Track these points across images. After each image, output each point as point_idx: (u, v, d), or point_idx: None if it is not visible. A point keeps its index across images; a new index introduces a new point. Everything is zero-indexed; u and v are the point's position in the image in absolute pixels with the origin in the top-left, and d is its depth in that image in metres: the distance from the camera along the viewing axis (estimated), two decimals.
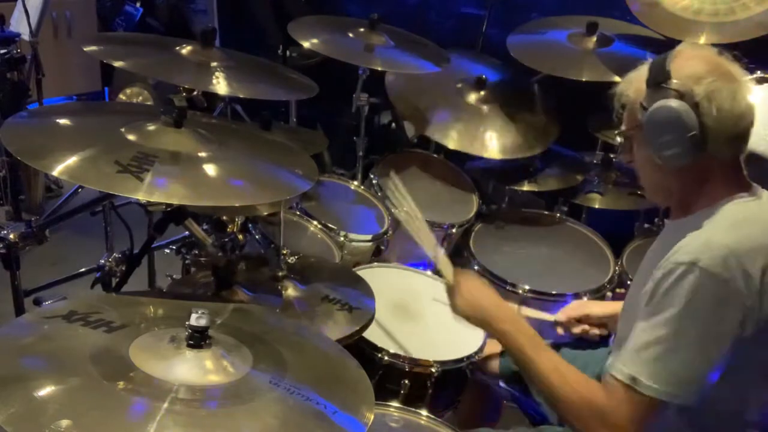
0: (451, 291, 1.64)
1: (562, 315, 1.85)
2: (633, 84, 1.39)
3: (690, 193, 1.37)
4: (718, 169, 1.34)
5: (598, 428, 1.31)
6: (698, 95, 1.28)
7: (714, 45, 1.45)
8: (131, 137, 1.41)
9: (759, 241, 1.26)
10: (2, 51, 3.14)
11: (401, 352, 1.83)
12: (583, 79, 2.51)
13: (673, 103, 1.28)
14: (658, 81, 1.32)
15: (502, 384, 1.90)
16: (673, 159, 1.31)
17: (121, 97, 4.16)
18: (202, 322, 1.13)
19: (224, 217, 1.89)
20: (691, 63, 1.32)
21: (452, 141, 2.62)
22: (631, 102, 1.39)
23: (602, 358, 1.62)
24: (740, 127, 1.30)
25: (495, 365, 1.89)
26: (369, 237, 2.36)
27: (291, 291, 1.78)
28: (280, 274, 1.79)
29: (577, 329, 1.81)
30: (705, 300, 1.22)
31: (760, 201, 1.35)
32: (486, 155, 2.65)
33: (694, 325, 1.23)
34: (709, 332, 1.24)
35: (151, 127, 1.45)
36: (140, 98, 4.13)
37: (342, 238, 2.29)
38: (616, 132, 1.46)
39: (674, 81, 1.30)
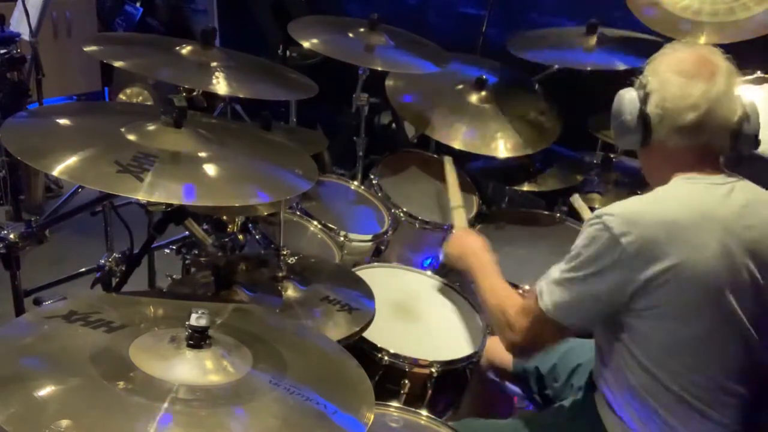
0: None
1: None
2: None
3: (651, 173, 1.52)
4: (675, 154, 1.44)
5: (505, 330, 1.57)
6: (652, 86, 1.43)
7: (711, 44, 1.51)
8: (131, 137, 1.41)
9: (667, 218, 1.35)
10: (2, 51, 3.15)
11: (401, 353, 1.83)
12: (588, 69, 2.52)
13: (626, 92, 1.47)
14: (639, 71, 1.49)
15: (511, 385, 1.91)
16: (615, 138, 1.53)
17: (121, 97, 4.16)
18: (202, 322, 1.13)
19: (224, 217, 1.89)
20: (664, 57, 1.45)
21: (457, 141, 2.62)
22: None
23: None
24: (688, 118, 1.39)
25: (507, 362, 1.89)
26: (369, 237, 2.36)
27: (291, 291, 1.78)
28: (280, 274, 1.79)
29: None
30: (596, 246, 1.37)
31: (712, 185, 1.41)
32: (491, 154, 2.65)
33: (584, 261, 1.39)
34: (593, 271, 1.38)
35: (151, 127, 1.45)
36: (140, 98, 4.13)
37: (342, 238, 2.29)
38: None
39: (645, 73, 1.46)
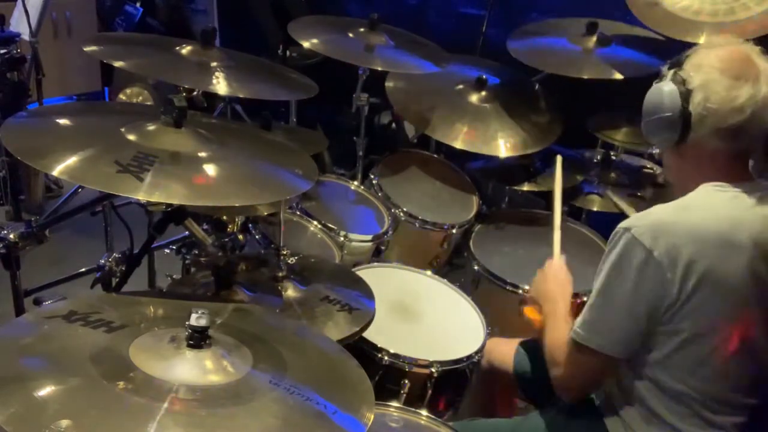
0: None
1: None
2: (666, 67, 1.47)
3: (682, 175, 1.45)
4: (709, 157, 1.38)
5: (552, 367, 1.52)
6: (693, 83, 1.35)
7: None
8: (131, 137, 1.41)
9: (691, 226, 1.33)
10: (2, 51, 3.14)
11: (401, 353, 1.83)
12: (584, 77, 2.51)
13: (665, 86, 1.39)
14: (674, 65, 1.41)
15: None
16: (649, 134, 1.45)
17: (121, 97, 4.16)
18: (202, 322, 1.13)
19: (224, 217, 1.89)
20: (705, 53, 1.38)
21: (458, 141, 2.62)
22: None
23: None
24: (731, 121, 1.33)
25: (509, 361, 1.89)
26: (369, 237, 2.36)
27: (291, 291, 1.78)
28: (280, 274, 1.79)
29: None
30: (629, 262, 1.34)
31: (741, 193, 1.37)
32: (492, 153, 2.65)
33: (618, 282, 1.36)
34: (629, 291, 1.34)
35: (151, 127, 1.45)
36: (140, 98, 4.12)
37: (342, 238, 2.29)
38: None
39: (684, 67, 1.38)
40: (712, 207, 1.36)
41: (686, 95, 1.35)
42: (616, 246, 1.36)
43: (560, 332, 1.53)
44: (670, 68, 1.42)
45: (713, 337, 1.35)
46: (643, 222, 1.34)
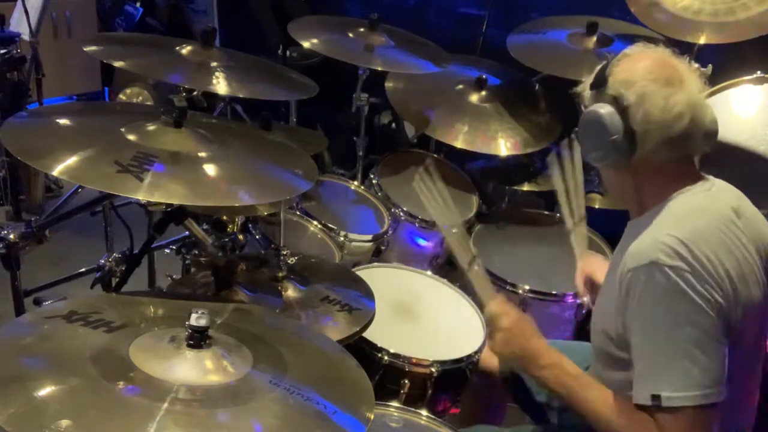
0: (489, 324, 1.54)
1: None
2: (585, 84, 1.43)
3: (643, 192, 1.40)
4: (663, 168, 1.36)
5: None
6: (628, 100, 1.31)
7: (711, 44, 1.46)
8: (131, 137, 1.41)
9: (703, 231, 1.29)
10: (2, 51, 3.14)
11: (401, 352, 1.83)
12: (583, 79, 2.50)
13: (601, 108, 1.33)
14: (598, 84, 1.37)
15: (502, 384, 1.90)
16: (597, 160, 1.38)
17: (121, 97, 4.16)
18: (202, 322, 1.13)
19: (224, 217, 1.89)
20: (630, 66, 1.34)
21: (458, 141, 2.62)
22: (582, 101, 1.44)
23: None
24: (675, 130, 1.31)
25: (494, 366, 1.89)
26: (369, 237, 2.36)
27: (291, 291, 1.78)
28: (280, 274, 1.79)
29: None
30: (679, 294, 1.22)
31: (708, 192, 1.37)
32: (491, 153, 2.65)
33: (683, 319, 1.22)
34: (698, 320, 1.22)
35: (151, 127, 1.45)
36: (140, 98, 4.12)
37: (342, 238, 2.29)
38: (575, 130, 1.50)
39: (610, 85, 1.34)
40: (700, 210, 1.34)
41: (625, 113, 1.31)
42: (650, 288, 1.24)
43: (597, 393, 1.35)
44: (592, 89, 1.38)
45: (751, 336, 1.32)
46: (664, 251, 1.24)
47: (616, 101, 1.32)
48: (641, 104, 1.30)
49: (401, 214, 2.48)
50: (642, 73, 1.32)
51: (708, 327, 1.22)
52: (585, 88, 1.43)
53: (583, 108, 1.44)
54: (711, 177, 1.41)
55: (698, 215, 1.32)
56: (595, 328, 1.48)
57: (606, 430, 1.33)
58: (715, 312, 1.23)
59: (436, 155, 2.91)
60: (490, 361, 1.89)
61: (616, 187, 1.48)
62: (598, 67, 1.40)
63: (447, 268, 2.72)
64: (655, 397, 1.22)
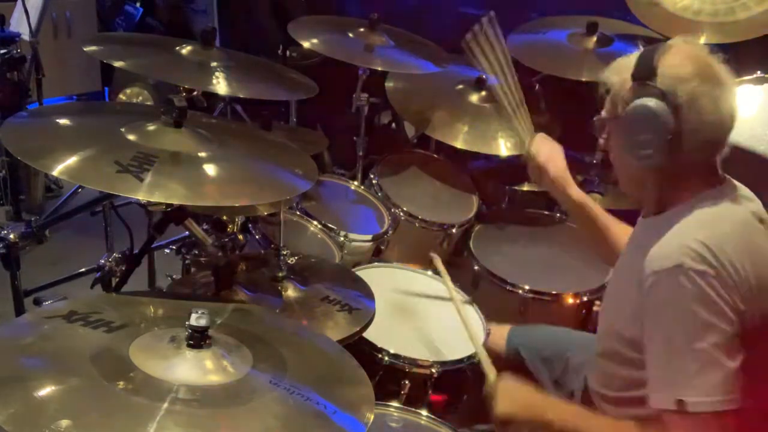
0: (489, 396, 1.51)
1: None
2: (620, 73, 1.36)
3: (664, 191, 1.36)
4: (693, 169, 1.33)
5: None
6: (681, 98, 1.25)
7: (711, 44, 1.43)
8: (131, 137, 1.41)
9: (729, 237, 1.25)
10: (2, 51, 3.14)
11: (401, 353, 1.83)
12: (583, 79, 2.51)
13: (653, 103, 1.26)
14: (644, 76, 1.29)
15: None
16: (644, 159, 1.30)
17: (121, 97, 4.15)
18: (202, 322, 1.13)
19: (224, 217, 1.89)
20: (680, 61, 1.28)
21: (458, 141, 2.62)
22: (615, 91, 1.37)
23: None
24: (719, 133, 1.29)
25: (500, 348, 1.90)
26: (369, 237, 2.36)
27: (291, 291, 1.78)
28: (280, 274, 1.79)
29: None
30: (704, 298, 1.20)
31: (732, 197, 1.34)
32: (493, 153, 2.65)
33: (708, 325, 1.20)
34: (722, 325, 1.20)
35: (151, 127, 1.45)
36: (140, 98, 4.12)
37: (342, 238, 2.29)
38: (595, 118, 1.44)
39: (659, 79, 1.27)
40: (723, 216, 1.30)
41: (677, 111, 1.25)
42: (673, 292, 1.22)
43: (628, 428, 1.33)
44: (635, 80, 1.30)
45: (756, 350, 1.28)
46: (690, 255, 1.21)
47: (666, 97, 1.25)
48: (693, 104, 1.25)
49: (401, 214, 2.48)
50: (693, 70, 1.27)
51: (731, 333, 1.20)
52: (622, 77, 1.35)
53: (605, 92, 1.38)
54: (730, 178, 1.37)
55: (723, 220, 1.29)
56: (605, 325, 1.47)
57: None
58: (737, 318, 1.21)
59: (436, 155, 2.91)
60: (496, 343, 1.90)
61: (634, 183, 1.42)
62: (638, 57, 1.32)
63: (447, 268, 2.72)
64: (680, 402, 1.20)
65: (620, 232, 1.71)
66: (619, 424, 1.37)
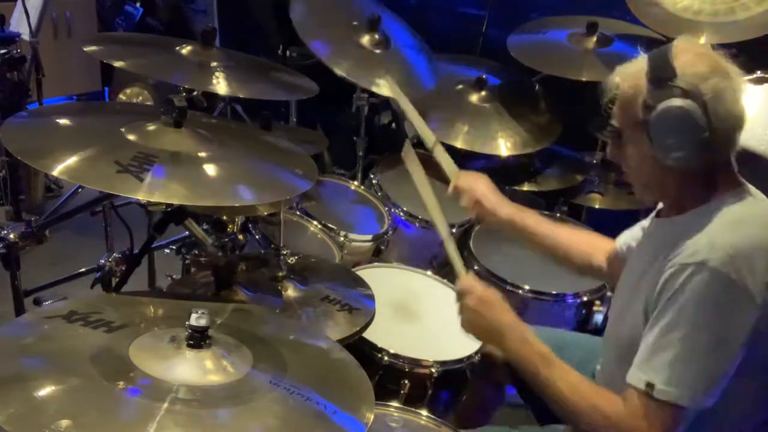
0: (459, 299, 1.50)
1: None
2: (630, 78, 1.33)
3: (686, 191, 1.33)
4: (715, 168, 1.30)
5: (601, 427, 1.27)
6: (706, 95, 1.23)
7: (711, 44, 1.43)
8: (131, 137, 1.41)
9: (759, 240, 1.23)
10: (2, 51, 3.14)
11: (401, 353, 1.83)
12: (583, 79, 2.51)
13: (683, 102, 1.22)
14: (663, 78, 1.25)
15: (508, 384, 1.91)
16: (682, 161, 1.25)
17: (121, 97, 4.16)
18: (202, 322, 1.13)
19: (224, 217, 1.89)
20: (694, 60, 1.27)
21: (458, 141, 2.62)
22: (628, 97, 1.33)
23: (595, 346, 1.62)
24: (739, 127, 1.27)
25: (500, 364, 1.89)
26: (369, 237, 2.36)
27: (291, 291, 1.78)
28: (280, 274, 1.79)
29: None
30: (716, 301, 1.19)
31: (752, 199, 1.32)
32: (491, 153, 2.65)
33: (708, 326, 1.20)
34: (722, 332, 1.20)
35: (151, 127, 1.45)
36: (140, 98, 4.12)
37: (342, 238, 2.29)
38: (607, 129, 1.40)
39: (680, 78, 1.24)
40: (750, 216, 1.28)
41: (705, 109, 1.22)
42: (690, 286, 1.20)
43: (566, 375, 1.33)
44: (653, 82, 1.27)
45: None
46: (718, 254, 1.19)
47: (690, 95, 1.22)
48: (718, 99, 1.23)
49: (401, 214, 2.48)
50: (709, 66, 1.25)
51: (733, 337, 1.20)
52: (624, 82, 1.33)
53: (609, 102, 1.36)
54: (744, 183, 1.35)
55: (749, 223, 1.27)
56: (618, 327, 1.43)
57: (567, 413, 1.32)
58: (748, 324, 1.20)
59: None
60: (495, 359, 1.89)
61: (654, 184, 1.37)
62: (651, 60, 1.30)
63: (447, 268, 2.72)
64: (650, 385, 1.22)
65: (569, 235, 1.77)
66: (577, 377, 1.34)
